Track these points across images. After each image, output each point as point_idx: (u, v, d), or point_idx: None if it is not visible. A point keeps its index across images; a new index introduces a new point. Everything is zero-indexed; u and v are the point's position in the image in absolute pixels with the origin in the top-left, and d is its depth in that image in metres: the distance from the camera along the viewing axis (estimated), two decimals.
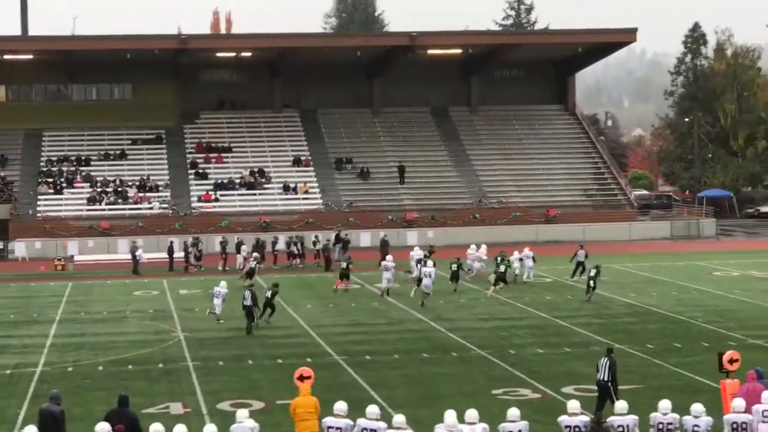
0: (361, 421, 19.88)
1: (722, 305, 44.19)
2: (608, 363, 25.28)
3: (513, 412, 20.09)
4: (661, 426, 20.27)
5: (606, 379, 25.17)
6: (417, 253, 52.05)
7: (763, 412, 20.62)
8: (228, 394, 28.87)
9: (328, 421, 20.16)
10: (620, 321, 40.62)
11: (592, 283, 45.56)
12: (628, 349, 33.93)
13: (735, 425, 20.38)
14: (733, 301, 45.24)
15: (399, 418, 19.72)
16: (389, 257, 49.65)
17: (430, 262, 47.26)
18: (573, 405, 20.49)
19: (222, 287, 41.21)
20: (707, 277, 53.50)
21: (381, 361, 33.31)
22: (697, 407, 20.43)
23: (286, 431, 23.22)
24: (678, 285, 50.31)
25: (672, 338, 36.63)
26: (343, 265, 49.68)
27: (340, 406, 20.33)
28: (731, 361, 23.16)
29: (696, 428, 20.17)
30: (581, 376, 30.30)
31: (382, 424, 19.76)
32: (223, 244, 59.46)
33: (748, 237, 77.63)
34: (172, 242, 60.95)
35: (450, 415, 19.49)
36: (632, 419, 20.32)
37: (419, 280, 45.95)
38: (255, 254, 55.22)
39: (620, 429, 20.18)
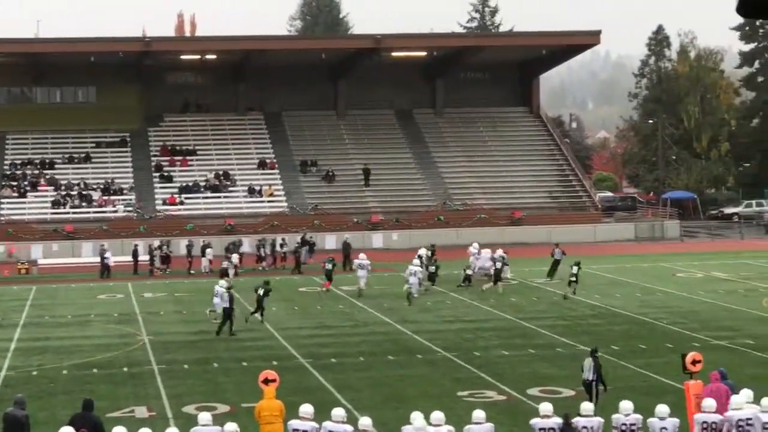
0: (327, 424, 19.85)
1: (686, 306, 44.42)
2: (593, 364, 25.51)
3: (478, 414, 20.10)
4: (624, 427, 20.28)
5: (591, 378, 25.41)
6: (422, 252, 52.16)
7: (737, 422, 20.47)
8: (193, 397, 28.75)
9: (294, 424, 20.09)
10: (585, 323, 40.76)
11: (574, 278, 46.12)
12: None
13: (705, 425, 20.44)
14: (696, 303, 45.48)
15: (365, 421, 19.72)
16: (362, 255, 49.66)
17: (416, 261, 48.03)
18: (545, 407, 20.41)
19: (221, 286, 41.03)
20: (671, 278, 53.78)
21: (347, 364, 33.29)
22: (662, 408, 20.48)
23: None
24: (642, 286, 50.53)
25: (637, 340, 36.78)
26: (329, 266, 49.57)
27: (306, 408, 20.23)
28: (694, 362, 23.27)
29: (663, 431, 20.22)
30: (546, 378, 30.44)
31: (349, 427, 19.74)
32: (189, 247, 59.35)
33: (711, 238, 77.99)
34: (136, 245, 60.73)
35: (417, 417, 19.49)
36: (598, 421, 20.32)
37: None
38: (234, 255, 55.18)
39: (584, 430, 20.22)
